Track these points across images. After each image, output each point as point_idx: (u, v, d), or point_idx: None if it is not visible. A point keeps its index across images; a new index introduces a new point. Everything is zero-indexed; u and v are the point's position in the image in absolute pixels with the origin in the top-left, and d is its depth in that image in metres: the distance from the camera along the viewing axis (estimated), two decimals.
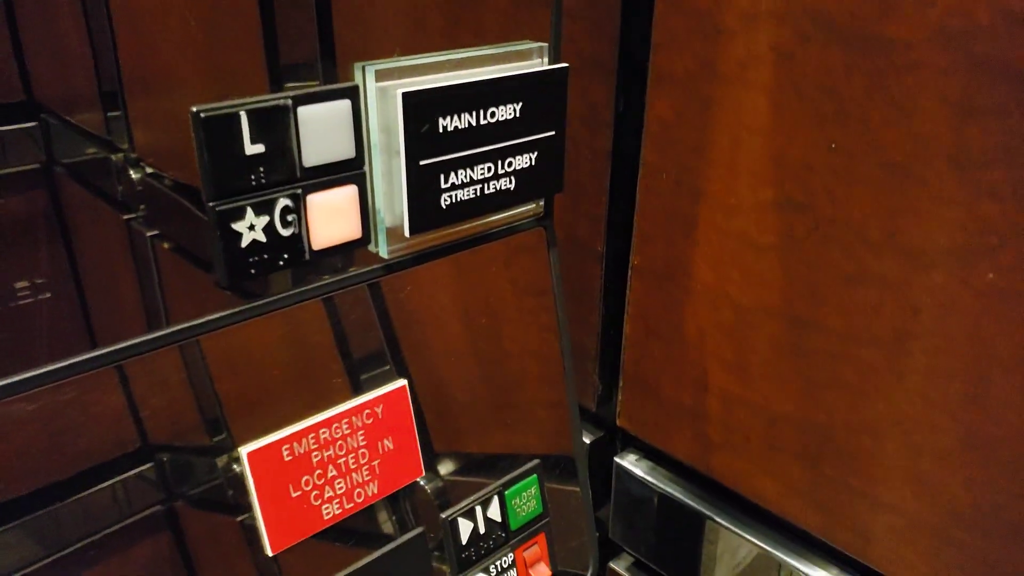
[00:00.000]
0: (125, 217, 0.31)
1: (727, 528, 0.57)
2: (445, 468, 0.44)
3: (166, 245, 0.33)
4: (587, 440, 0.65)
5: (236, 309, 0.34)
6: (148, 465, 0.33)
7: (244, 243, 0.31)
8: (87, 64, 0.29)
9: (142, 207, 0.32)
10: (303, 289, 0.36)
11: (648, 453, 0.63)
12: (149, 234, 0.32)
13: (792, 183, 0.47)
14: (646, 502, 0.62)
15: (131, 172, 0.31)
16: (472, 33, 0.40)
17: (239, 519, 0.35)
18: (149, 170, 0.31)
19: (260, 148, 0.31)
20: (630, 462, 0.63)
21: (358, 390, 0.39)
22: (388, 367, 0.40)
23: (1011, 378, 0.41)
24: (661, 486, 0.60)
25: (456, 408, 0.45)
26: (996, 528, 0.43)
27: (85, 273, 0.30)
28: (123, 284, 0.32)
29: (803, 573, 0.53)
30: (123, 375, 0.32)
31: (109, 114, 0.30)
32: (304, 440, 0.35)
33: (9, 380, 0.29)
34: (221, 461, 0.35)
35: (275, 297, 0.35)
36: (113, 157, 0.31)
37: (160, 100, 0.31)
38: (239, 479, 0.35)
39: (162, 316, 0.33)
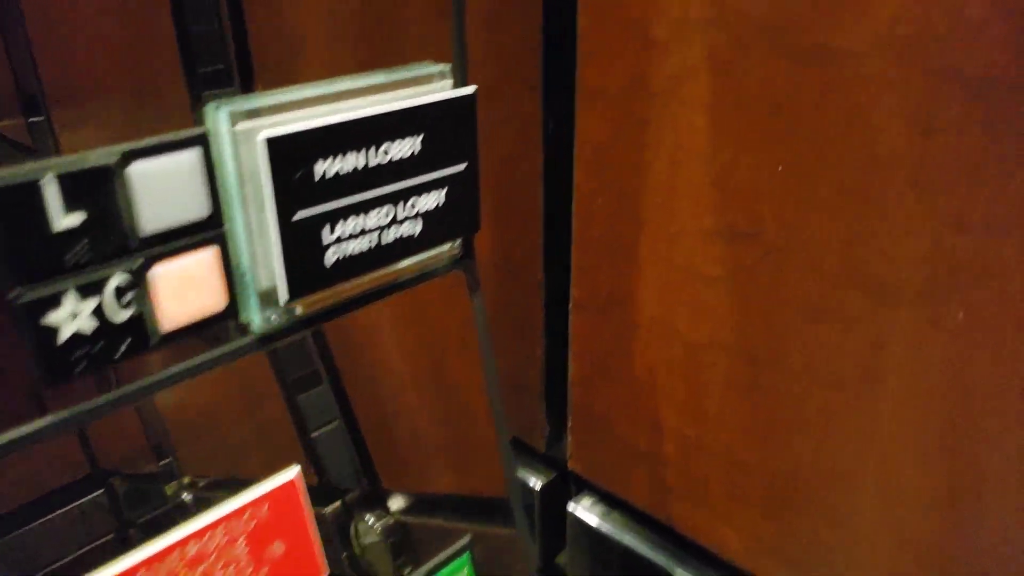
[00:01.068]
0: None
1: None
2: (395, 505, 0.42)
3: None
4: (538, 484, 0.60)
5: (73, 412, 0.28)
6: None
7: (62, 338, 0.26)
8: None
9: None
10: (151, 382, 0.30)
11: (603, 496, 0.58)
12: None
13: (737, 209, 0.42)
14: (603, 552, 0.57)
15: None
16: (386, 54, 0.36)
17: None
18: None
19: (78, 219, 0.26)
20: (584, 507, 0.58)
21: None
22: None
23: (990, 423, 0.36)
24: (618, 537, 0.55)
25: (395, 448, 0.42)
26: None
27: None
28: None
29: None
30: None
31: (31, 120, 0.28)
32: (167, 559, 0.30)
33: None
34: None
35: (110, 398, 0.29)
36: None
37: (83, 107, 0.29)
38: None
39: None
